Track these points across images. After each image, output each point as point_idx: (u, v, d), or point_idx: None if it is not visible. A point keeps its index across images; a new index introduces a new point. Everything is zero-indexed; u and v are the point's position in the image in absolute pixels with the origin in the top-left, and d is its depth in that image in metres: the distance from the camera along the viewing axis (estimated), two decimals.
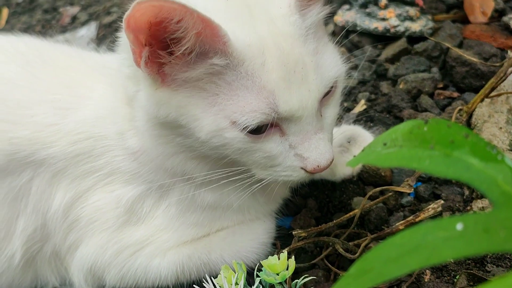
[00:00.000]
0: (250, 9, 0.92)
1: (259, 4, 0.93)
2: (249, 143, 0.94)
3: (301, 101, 0.91)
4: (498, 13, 1.74)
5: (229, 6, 0.93)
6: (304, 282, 1.05)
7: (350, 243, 1.15)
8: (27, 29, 2.46)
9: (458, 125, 0.60)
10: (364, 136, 1.35)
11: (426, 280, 1.08)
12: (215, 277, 1.03)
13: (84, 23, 2.35)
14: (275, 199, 1.23)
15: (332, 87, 0.98)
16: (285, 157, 0.97)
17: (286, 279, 0.99)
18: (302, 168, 0.97)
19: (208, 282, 0.99)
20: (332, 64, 0.96)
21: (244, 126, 0.89)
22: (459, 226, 0.49)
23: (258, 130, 0.92)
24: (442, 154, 0.58)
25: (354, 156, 0.76)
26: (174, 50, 0.87)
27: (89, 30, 2.25)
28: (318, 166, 0.96)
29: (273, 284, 1.00)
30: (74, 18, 2.44)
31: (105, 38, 2.12)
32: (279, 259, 0.99)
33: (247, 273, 1.04)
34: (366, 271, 0.51)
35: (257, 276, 1.01)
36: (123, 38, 1.03)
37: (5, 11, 2.67)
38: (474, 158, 0.56)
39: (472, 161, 0.56)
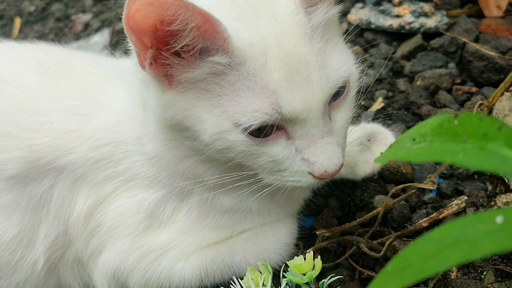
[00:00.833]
0: (255, 8, 0.91)
1: (264, 4, 0.92)
2: (252, 146, 0.92)
3: (305, 102, 0.88)
4: None
5: (233, 5, 0.92)
6: (329, 282, 1.05)
7: (374, 242, 1.14)
8: (40, 38, 2.47)
9: (490, 117, 0.59)
10: (384, 134, 1.34)
11: (453, 277, 1.07)
12: (240, 279, 1.02)
13: (97, 30, 2.36)
14: (296, 200, 1.22)
15: (344, 87, 0.96)
16: (292, 161, 0.95)
17: (312, 279, 0.98)
18: (309, 173, 0.95)
19: (235, 284, 0.98)
20: (340, 64, 0.93)
21: (247, 126, 0.88)
22: (499, 219, 0.48)
23: (262, 132, 0.91)
24: (476, 147, 0.57)
25: (381, 153, 0.75)
26: (176, 49, 0.86)
27: (102, 37, 2.26)
28: (325, 172, 0.93)
29: (299, 285, 0.99)
30: (86, 26, 2.45)
31: (119, 44, 2.12)
32: (304, 259, 0.98)
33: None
34: (404, 268, 0.51)
35: (283, 277, 1.00)
36: None
37: (18, 21, 2.69)
38: (509, 150, 0.55)
39: (508, 153, 0.55)
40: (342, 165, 0.95)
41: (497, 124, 0.57)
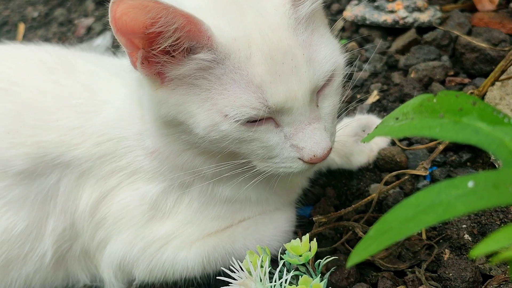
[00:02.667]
0: (239, 4, 0.94)
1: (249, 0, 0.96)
2: (245, 132, 0.94)
3: (290, 92, 0.91)
4: (506, 0, 1.76)
5: (218, 3, 0.95)
6: (326, 265, 1.08)
7: (370, 227, 1.17)
8: (44, 43, 2.52)
9: (465, 94, 0.63)
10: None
11: (445, 258, 1.11)
12: None
13: (99, 33, 2.41)
14: (294, 190, 1.26)
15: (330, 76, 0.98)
16: (282, 148, 0.98)
17: (309, 260, 1.02)
18: (299, 158, 0.98)
19: (234, 265, 1.02)
20: (327, 57, 0.96)
21: (235, 120, 0.91)
22: (470, 184, 0.52)
23: (252, 121, 0.94)
24: (452, 121, 0.61)
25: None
26: (165, 48, 0.90)
27: (104, 39, 2.30)
28: (314, 156, 0.95)
29: (297, 267, 1.03)
30: (89, 29, 2.50)
31: (121, 45, 2.16)
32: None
33: (271, 260, 1.07)
34: (385, 231, 0.55)
35: (281, 259, 1.04)
36: None
37: (22, 26, 2.74)
38: (482, 123, 0.59)
39: (480, 125, 0.59)
40: (330, 148, 0.97)
41: (471, 100, 0.61)
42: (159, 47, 0.90)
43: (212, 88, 0.93)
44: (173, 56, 0.92)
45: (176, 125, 1.00)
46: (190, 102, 0.95)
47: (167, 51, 0.91)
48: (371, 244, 0.55)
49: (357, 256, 0.56)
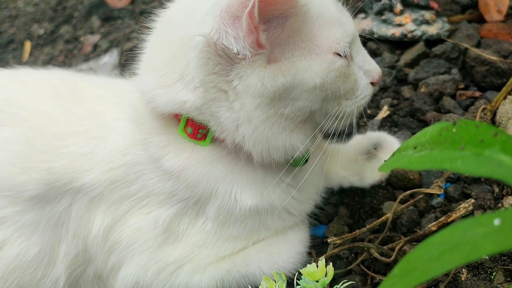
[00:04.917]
0: None
1: None
2: (348, 67, 1.06)
3: (352, 22, 1.09)
4: None
5: None
6: None
7: (385, 247, 1.16)
8: (50, 60, 2.53)
9: (486, 124, 0.62)
10: (390, 142, 1.37)
11: (463, 279, 1.10)
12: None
13: (106, 51, 2.41)
14: (307, 200, 1.26)
15: None
16: (360, 78, 1.11)
17: (325, 285, 1.01)
18: (370, 83, 1.13)
19: None
20: None
21: (342, 50, 1.03)
22: (497, 221, 0.51)
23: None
24: (473, 153, 0.60)
25: (385, 161, 0.78)
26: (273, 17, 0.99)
27: (111, 57, 2.30)
28: (380, 73, 1.15)
29: None
30: (95, 46, 2.50)
31: (128, 63, 2.17)
32: (317, 266, 1.01)
33: (286, 283, 1.06)
34: (409, 271, 0.54)
35: (297, 284, 1.03)
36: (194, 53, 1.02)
37: (28, 44, 2.75)
38: (505, 156, 0.58)
39: (503, 159, 0.58)
40: None
41: (493, 131, 0.60)
42: (273, 14, 0.98)
43: (312, 36, 1.03)
44: (276, 25, 0.99)
45: (288, 92, 1.02)
46: (299, 59, 1.02)
47: (276, 20, 0.99)
48: (396, 283, 0.54)
49: None
